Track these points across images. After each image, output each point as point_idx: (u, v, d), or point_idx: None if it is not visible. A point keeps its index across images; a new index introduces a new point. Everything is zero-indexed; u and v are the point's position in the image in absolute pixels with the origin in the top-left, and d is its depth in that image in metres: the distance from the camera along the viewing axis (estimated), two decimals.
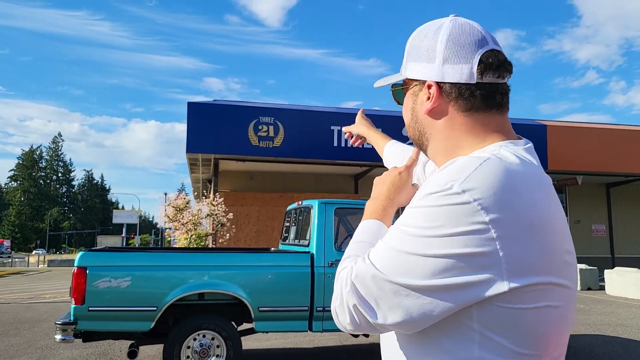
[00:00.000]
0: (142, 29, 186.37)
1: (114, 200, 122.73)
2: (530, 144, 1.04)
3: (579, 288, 14.61)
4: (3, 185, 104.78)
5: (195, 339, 4.99)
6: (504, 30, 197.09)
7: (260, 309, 5.08)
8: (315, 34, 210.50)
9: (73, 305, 4.69)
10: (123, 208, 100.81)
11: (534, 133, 17.35)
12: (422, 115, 1.04)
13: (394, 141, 1.72)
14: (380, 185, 1.17)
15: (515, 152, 0.94)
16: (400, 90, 1.13)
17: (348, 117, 15.05)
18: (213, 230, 14.03)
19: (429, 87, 1.01)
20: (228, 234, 13.91)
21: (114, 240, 49.79)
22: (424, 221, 0.82)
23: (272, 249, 7.08)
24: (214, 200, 14.08)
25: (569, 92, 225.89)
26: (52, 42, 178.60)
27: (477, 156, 0.89)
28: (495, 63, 0.96)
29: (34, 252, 59.80)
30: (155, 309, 4.81)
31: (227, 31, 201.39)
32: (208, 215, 13.75)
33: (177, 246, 13.79)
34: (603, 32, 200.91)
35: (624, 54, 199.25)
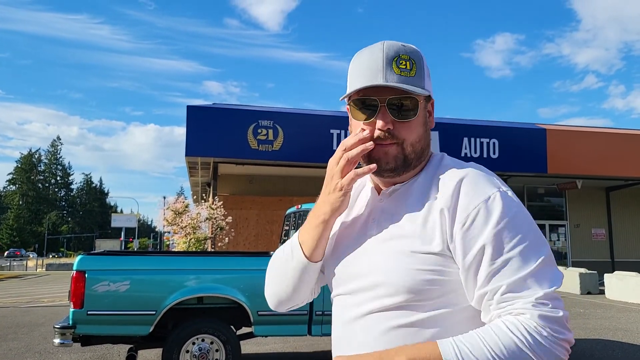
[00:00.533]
0: (142, 32, 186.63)
1: (112, 203, 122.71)
2: None
3: (579, 292, 14.61)
4: (1, 189, 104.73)
5: (194, 343, 4.97)
6: (504, 34, 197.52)
7: (260, 313, 5.06)
8: (315, 38, 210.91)
9: (72, 309, 4.67)
10: (122, 212, 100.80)
11: (534, 137, 17.39)
12: (429, 130, 1.14)
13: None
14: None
15: None
16: (410, 102, 1.06)
17: (347, 121, 14.99)
18: (212, 234, 14.01)
19: (432, 103, 1.14)
20: (227, 238, 13.89)
21: (113, 244, 49.74)
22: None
23: (271, 252, 7.06)
24: (213, 203, 14.06)
25: (569, 96, 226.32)
26: (52, 45, 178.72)
27: (477, 167, 1.10)
28: None
29: (29, 255, 59.57)
30: (154, 312, 4.79)
31: (226, 35, 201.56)
32: (207, 218, 13.73)
33: (176, 250, 13.75)
34: (602, 36, 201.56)
35: (624, 57, 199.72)
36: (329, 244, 1.17)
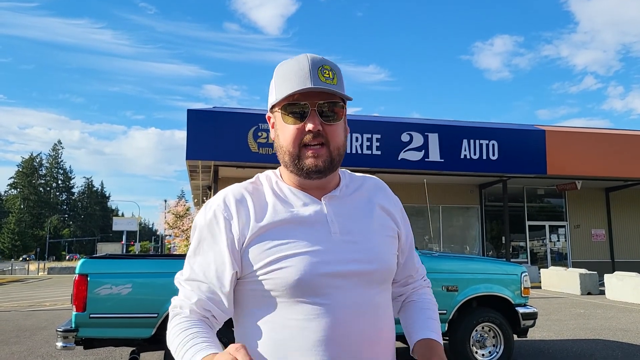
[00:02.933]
0: (143, 37, 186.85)
1: (113, 207, 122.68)
2: None
3: (579, 293, 14.62)
4: (3, 193, 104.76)
5: None
6: (502, 36, 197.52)
7: None
8: (315, 41, 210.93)
9: (74, 313, 4.70)
10: (123, 215, 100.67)
11: (533, 138, 17.41)
12: (347, 134, 1.25)
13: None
14: None
15: None
16: (337, 106, 1.17)
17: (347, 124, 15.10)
18: None
19: (345, 112, 1.22)
20: None
21: (114, 248, 49.72)
22: None
23: None
24: None
25: (567, 97, 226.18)
26: (54, 50, 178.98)
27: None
28: None
29: (20, 258, 59.27)
30: (156, 315, 4.83)
31: (226, 39, 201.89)
32: None
33: (177, 253, 13.78)
34: (600, 38, 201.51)
35: (622, 59, 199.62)
36: (282, 254, 1.13)
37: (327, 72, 1.15)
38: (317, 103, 1.14)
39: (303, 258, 1.11)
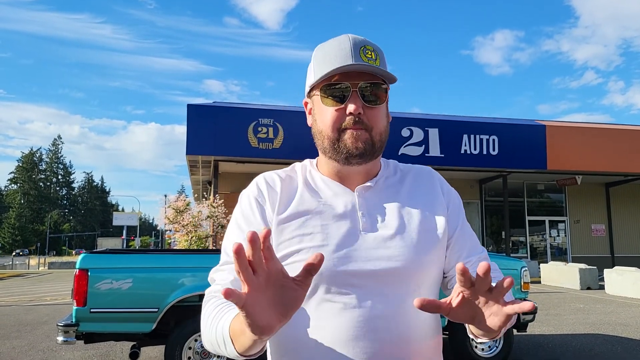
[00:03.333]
0: (143, 31, 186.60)
1: (114, 202, 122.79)
2: None
3: (578, 287, 14.64)
4: (3, 188, 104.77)
5: (196, 340, 5.02)
6: (503, 31, 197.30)
7: None
8: (315, 36, 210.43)
9: (75, 307, 4.71)
10: (123, 210, 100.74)
11: (533, 133, 17.40)
12: (389, 121, 1.17)
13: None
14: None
15: None
16: (379, 89, 1.10)
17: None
18: (213, 232, 14.05)
19: (388, 98, 1.14)
20: None
21: (114, 243, 49.78)
22: None
23: None
24: (214, 201, 14.10)
25: (568, 92, 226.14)
26: (54, 45, 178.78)
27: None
28: None
29: (14, 253, 59.19)
30: (156, 310, 4.84)
31: (227, 33, 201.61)
32: (208, 217, 13.78)
33: (178, 248, 13.80)
34: (601, 32, 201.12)
35: (622, 54, 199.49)
36: (304, 244, 1.07)
37: (370, 53, 1.08)
38: (358, 84, 1.07)
39: (324, 252, 1.01)
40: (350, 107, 1.06)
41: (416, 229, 1.11)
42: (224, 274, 1.08)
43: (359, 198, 1.13)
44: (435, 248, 1.11)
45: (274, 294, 0.78)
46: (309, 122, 1.20)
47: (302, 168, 1.23)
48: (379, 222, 1.10)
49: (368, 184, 1.15)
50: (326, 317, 1.04)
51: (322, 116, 1.12)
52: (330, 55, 1.08)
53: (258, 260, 0.74)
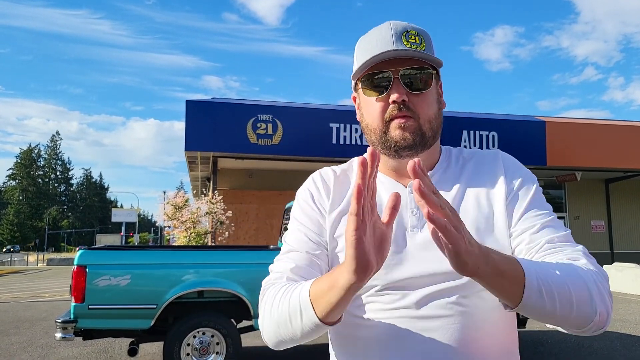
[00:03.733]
0: (142, 27, 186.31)
1: (112, 198, 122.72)
2: None
3: None
4: (1, 185, 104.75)
5: (195, 337, 5.00)
6: (503, 26, 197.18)
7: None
8: (314, 32, 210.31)
9: (73, 304, 4.70)
10: (122, 206, 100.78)
11: (533, 129, 17.38)
12: (441, 110, 1.12)
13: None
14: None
15: None
16: (424, 74, 1.04)
17: (347, 115, 15.06)
18: (212, 228, 14.04)
19: (440, 85, 1.10)
20: (227, 232, 13.92)
21: (113, 239, 49.85)
22: None
23: (271, 246, 7.09)
24: (212, 198, 14.07)
25: (568, 88, 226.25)
26: (52, 41, 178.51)
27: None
28: None
29: (4, 249, 59.02)
30: (155, 306, 4.82)
31: (225, 29, 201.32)
32: (207, 213, 13.75)
33: (176, 244, 13.79)
34: (601, 28, 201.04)
35: (623, 50, 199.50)
36: None
37: (413, 37, 1.02)
38: (400, 70, 1.01)
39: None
40: (393, 96, 1.01)
41: (471, 223, 1.01)
42: (283, 263, 1.05)
43: (410, 195, 1.05)
44: (493, 241, 0.99)
45: (372, 235, 0.78)
46: (358, 116, 1.14)
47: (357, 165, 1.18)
48: None
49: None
50: (377, 317, 1.00)
51: (367, 108, 1.07)
52: (371, 44, 1.04)
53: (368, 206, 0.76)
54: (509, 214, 1.03)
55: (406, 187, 1.08)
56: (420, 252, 1.00)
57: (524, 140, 17.14)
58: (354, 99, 1.15)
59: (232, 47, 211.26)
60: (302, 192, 1.16)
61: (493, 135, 16.93)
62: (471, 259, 0.76)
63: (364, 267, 0.76)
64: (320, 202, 1.11)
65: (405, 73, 1.01)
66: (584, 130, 17.88)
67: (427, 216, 0.72)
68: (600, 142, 17.67)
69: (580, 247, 0.98)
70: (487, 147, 16.75)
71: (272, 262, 1.11)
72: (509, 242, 1.02)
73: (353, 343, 1.04)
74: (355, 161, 1.18)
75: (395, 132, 1.02)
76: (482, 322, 0.98)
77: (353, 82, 1.12)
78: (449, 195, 1.06)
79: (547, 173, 19.26)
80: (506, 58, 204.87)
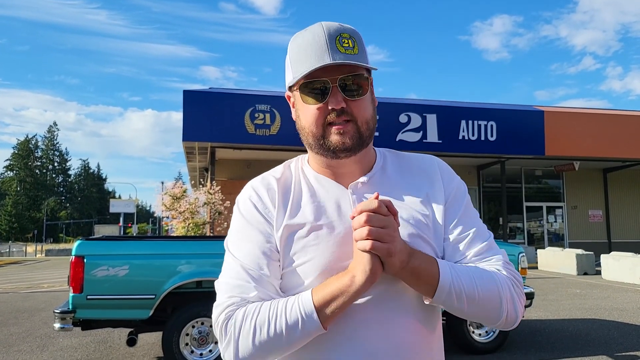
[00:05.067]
0: (139, 17, 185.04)
1: (111, 189, 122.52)
2: None
3: (575, 273, 14.71)
4: None
5: (193, 327, 5.01)
6: (501, 16, 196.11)
7: None
8: (313, 21, 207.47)
9: (71, 294, 4.69)
10: (120, 197, 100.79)
11: (532, 119, 17.37)
12: (375, 108, 1.15)
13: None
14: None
15: None
16: (359, 80, 1.07)
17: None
18: (210, 218, 14.04)
19: (371, 81, 1.12)
20: (225, 222, 13.92)
21: (111, 230, 49.85)
22: None
23: None
24: (211, 188, 14.06)
25: (566, 78, 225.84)
26: (49, 31, 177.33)
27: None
28: None
29: None
30: (153, 297, 4.82)
31: (223, 19, 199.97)
32: (205, 203, 13.74)
33: (175, 235, 13.79)
34: (599, 17, 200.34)
35: (621, 39, 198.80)
36: (309, 249, 1.07)
37: (346, 41, 1.05)
38: (338, 78, 1.04)
39: (320, 255, 1.05)
40: (332, 103, 1.04)
41: (411, 225, 1.08)
42: (245, 284, 1.04)
43: (353, 196, 1.11)
44: (430, 243, 1.09)
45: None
46: (294, 116, 1.16)
47: (295, 166, 1.20)
48: None
49: (361, 179, 1.12)
50: None
51: (304, 113, 1.09)
52: (305, 51, 1.05)
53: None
54: (445, 219, 1.13)
55: (347, 188, 1.12)
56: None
57: (522, 130, 17.13)
58: (289, 97, 1.17)
59: (230, 37, 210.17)
60: (245, 204, 1.14)
61: (491, 125, 16.91)
62: (394, 268, 0.97)
63: (376, 274, 0.96)
64: (266, 212, 1.11)
65: (342, 82, 1.04)
66: (582, 120, 17.88)
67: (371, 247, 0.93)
68: (599, 132, 17.67)
69: (501, 255, 1.12)
70: (486, 137, 16.77)
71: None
72: (442, 243, 1.12)
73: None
74: (292, 164, 1.21)
75: (334, 137, 1.06)
76: (419, 315, 1.07)
77: (287, 84, 1.13)
78: (387, 193, 1.11)
79: (545, 163, 19.28)
80: (504, 48, 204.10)
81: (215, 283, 1.10)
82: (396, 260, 0.95)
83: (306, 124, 1.09)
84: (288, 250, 1.07)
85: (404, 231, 1.06)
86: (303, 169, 1.19)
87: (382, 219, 0.94)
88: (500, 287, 1.04)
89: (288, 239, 1.08)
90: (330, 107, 1.04)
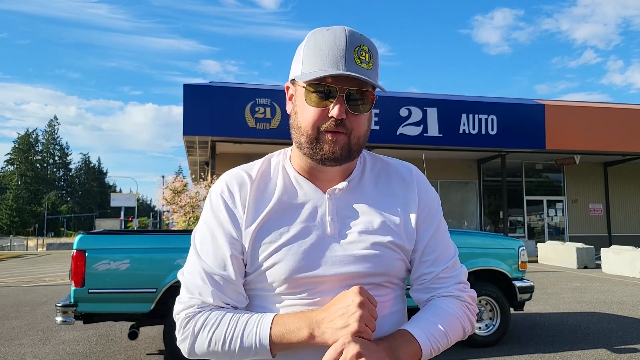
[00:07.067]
0: (140, 11, 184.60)
1: (111, 183, 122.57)
2: None
3: (575, 267, 14.73)
4: (0, 170, 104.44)
5: None
6: (502, 9, 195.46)
7: None
8: (313, 15, 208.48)
9: (73, 288, 4.71)
10: (121, 191, 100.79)
11: (532, 113, 17.34)
12: (370, 126, 1.15)
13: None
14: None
15: None
16: (365, 97, 1.07)
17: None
18: None
19: (374, 99, 1.10)
20: None
21: (112, 224, 49.90)
22: None
23: None
24: (211, 182, 14.06)
25: (567, 71, 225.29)
26: (50, 25, 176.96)
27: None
28: None
29: None
30: (154, 290, 4.84)
31: (224, 13, 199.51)
32: (206, 197, 13.75)
33: (176, 228, 13.81)
34: (600, 11, 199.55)
35: (622, 33, 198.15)
36: (279, 253, 1.07)
37: (364, 55, 1.04)
38: (346, 89, 1.03)
39: (291, 259, 1.06)
40: (334, 112, 1.03)
41: (383, 234, 1.10)
42: (207, 287, 1.07)
43: (329, 201, 1.12)
44: (400, 253, 1.12)
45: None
46: (288, 109, 1.15)
47: (275, 163, 1.19)
48: (347, 225, 1.11)
49: (340, 186, 1.13)
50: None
51: (303, 112, 1.08)
52: (323, 50, 1.03)
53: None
54: (417, 233, 1.16)
55: (325, 193, 1.13)
56: (337, 256, 1.08)
57: (523, 123, 17.11)
58: (287, 88, 1.16)
59: (231, 31, 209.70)
60: (215, 198, 1.14)
61: (492, 119, 16.89)
62: None
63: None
64: (235, 211, 1.11)
65: (350, 93, 1.04)
66: (582, 114, 17.84)
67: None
68: (599, 126, 17.65)
69: (461, 275, 1.19)
70: (487, 131, 16.75)
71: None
72: (410, 253, 1.16)
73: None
74: (272, 159, 1.21)
75: (325, 145, 1.06)
76: (388, 322, 1.10)
77: (292, 75, 1.12)
78: (363, 205, 1.13)
79: (546, 156, 19.26)
80: (505, 41, 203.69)
81: (179, 273, 1.12)
82: None
83: (303, 124, 1.08)
84: (256, 251, 1.08)
85: (378, 239, 1.09)
86: (284, 165, 1.18)
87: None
88: (462, 320, 1.13)
89: (257, 240, 1.08)
90: (330, 115, 1.04)
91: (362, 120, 1.08)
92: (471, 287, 1.21)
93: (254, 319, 1.02)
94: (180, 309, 1.08)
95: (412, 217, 1.15)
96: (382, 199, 1.15)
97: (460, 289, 1.16)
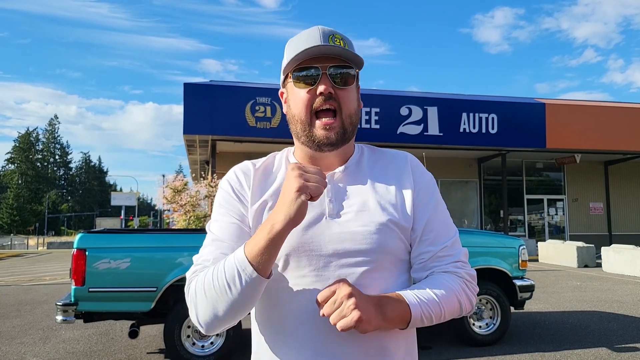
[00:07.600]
0: (141, 10, 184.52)
1: (112, 182, 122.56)
2: None
3: (576, 265, 14.73)
4: (0, 169, 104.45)
5: None
6: (503, 8, 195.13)
7: None
8: (314, 14, 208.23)
9: (73, 287, 4.72)
10: (121, 190, 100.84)
11: (533, 111, 17.32)
12: (360, 107, 1.23)
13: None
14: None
15: None
16: (347, 72, 1.15)
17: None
18: (211, 211, 14.02)
19: (359, 87, 1.22)
20: None
21: (113, 223, 49.93)
22: None
23: None
24: (212, 181, 14.06)
25: (567, 70, 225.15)
26: (51, 24, 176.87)
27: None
28: None
29: None
30: (155, 289, 4.84)
31: (224, 12, 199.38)
32: (206, 196, 13.75)
33: (176, 227, 13.81)
34: (601, 10, 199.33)
35: (622, 32, 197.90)
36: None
37: (338, 41, 1.15)
38: (327, 66, 1.13)
39: (292, 237, 1.09)
40: (320, 88, 1.12)
41: (380, 213, 1.15)
42: (207, 253, 1.14)
43: (328, 184, 1.18)
44: (398, 232, 1.16)
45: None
46: (285, 110, 1.24)
47: (279, 156, 1.29)
48: (344, 206, 1.16)
49: (338, 169, 1.20)
50: (293, 295, 1.12)
51: (295, 99, 1.17)
52: (300, 42, 1.15)
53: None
54: (415, 213, 1.19)
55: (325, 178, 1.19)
56: (335, 233, 1.13)
57: (523, 122, 17.10)
58: (282, 94, 1.26)
59: (231, 30, 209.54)
60: (223, 184, 1.24)
61: (493, 118, 16.88)
62: (371, 327, 1.01)
63: (298, 220, 0.99)
64: (242, 192, 1.20)
65: (331, 70, 1.14)
66: (583, 113, 17.83)
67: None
68: (600, 125, 17.64)
69: (461, 254, 1.21)
70: (487, 130, 16.75)
71: None
72: (409, 233, 1.19)
73: (278, 320, 1.15)
74: (277, 154, 1.30)
75: (320, 131, 1.14)
76: (385, 292, 1.12)
77: (282, 78, 1.23)
78: (360, 186, 1.19)
79: (546, 155, 19.26)
80: (505, 40, 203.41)
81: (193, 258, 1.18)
82: (372, 326, 1.01)
83: (296, 111, 1.16)
84: (259, 226, 1.11)
85: (375, 219, 1.14)
86: (288, 157, 1.27)
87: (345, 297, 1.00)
88: (457, 294, 1.15)
89: (261, 216, 1.16)
90: (318, 92, 1.12)
91: (350, 96, 1.16)
92: None
93: (231, 254, 1.06)
94: (186, 285, 1.12)
95: (408, 197, 1.20)
96: (378, 180, 1.21)
97: (458, 266, 1.19)
